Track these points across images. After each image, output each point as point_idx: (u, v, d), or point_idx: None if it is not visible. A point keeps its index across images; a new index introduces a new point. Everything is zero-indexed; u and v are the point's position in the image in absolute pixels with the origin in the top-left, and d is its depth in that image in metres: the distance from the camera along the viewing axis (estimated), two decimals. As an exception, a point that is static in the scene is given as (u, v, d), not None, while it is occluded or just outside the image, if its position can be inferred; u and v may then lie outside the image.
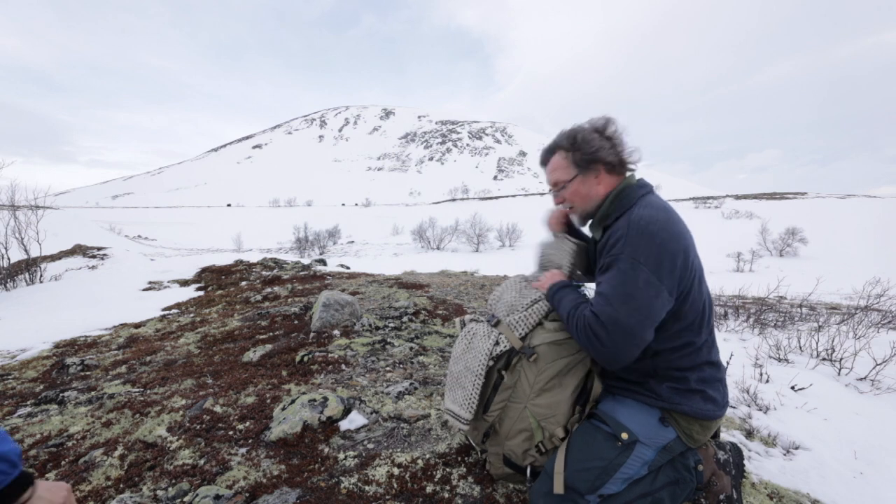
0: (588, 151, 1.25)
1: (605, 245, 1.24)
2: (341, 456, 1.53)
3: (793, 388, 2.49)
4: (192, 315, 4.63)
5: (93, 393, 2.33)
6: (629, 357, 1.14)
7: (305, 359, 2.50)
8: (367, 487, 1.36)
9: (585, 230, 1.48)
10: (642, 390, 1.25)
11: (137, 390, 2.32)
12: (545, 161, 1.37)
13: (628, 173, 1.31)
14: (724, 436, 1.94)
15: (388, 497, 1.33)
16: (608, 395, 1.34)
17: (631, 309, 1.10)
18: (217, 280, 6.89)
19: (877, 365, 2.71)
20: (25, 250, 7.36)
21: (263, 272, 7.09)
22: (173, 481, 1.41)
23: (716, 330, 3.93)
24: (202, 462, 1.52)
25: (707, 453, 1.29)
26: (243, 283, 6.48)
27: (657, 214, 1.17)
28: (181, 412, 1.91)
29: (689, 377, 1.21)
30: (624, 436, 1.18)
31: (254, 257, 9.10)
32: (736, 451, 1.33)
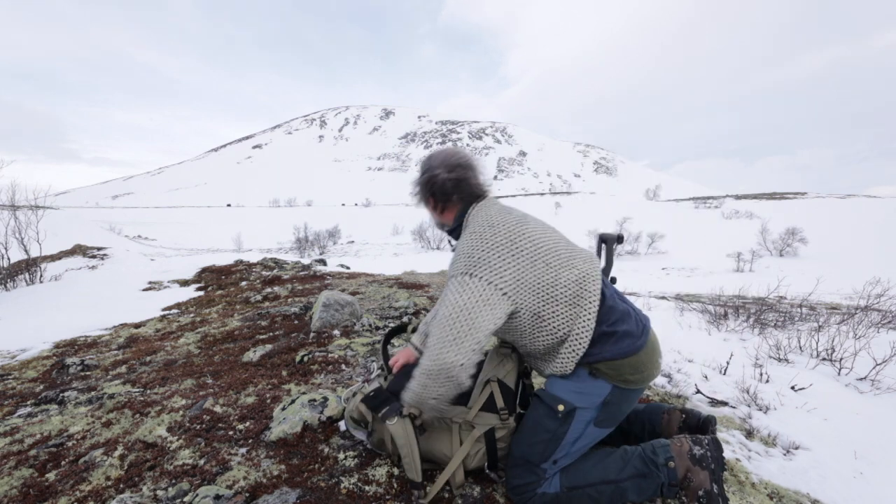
0: (419, 193, 1.44)
1: None
2: (341, 456, 1.53)
3: (793, 388, 2.50)
4: (192, 315, 4.63)
5: (93, 393, 2.33)
6: None
7: (305, 359, 2.50)
8: (367, 487, 1.36)
9: None
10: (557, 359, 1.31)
11: (137, 390, 2.32)
12: None
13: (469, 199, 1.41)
14: (724, 435, 1.94)
15: (388, 497, 1.33)
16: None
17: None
18: (217, 280, 6.89)
19: (877, 365, 2.71)
20: (25, 250, 7.36)
21: (263, 272, 7.09)
22: (173, 481, 1.41)
23: (714, 329, 3.93)
24: (202, 462, 1.52)
25: (681, 449, 1.28)
26: (243, 283, 6.48)
27: (480, 223, 1.31)
28: (181, 412, 1.91)
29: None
30: (560, 407, 1.27)
31: (254, 257, 9.10)
32: (714, 445, 1.31)
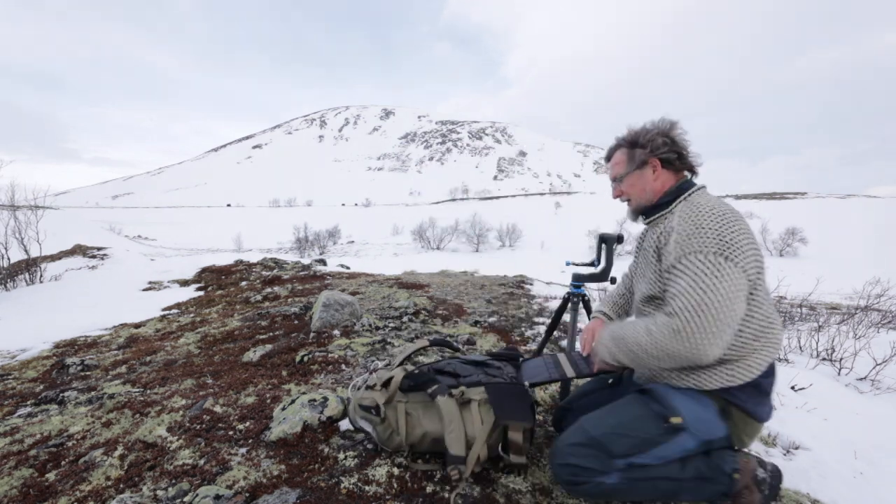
0: (644, 147, 1.32)
1: (657, 241, 1.30)
2: (341, 456, 1.53)
3: (793, 388, 2.50)
4: (192, 315, 4.64)
5: (93, 393, 2.33)
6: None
7: (305, 359, 2.50)
8: (367, 487, 1.36)
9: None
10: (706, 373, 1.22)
11: (137, 390, 2.32)
12: (609, 157, 1.45)
13: (688, 175, 1.35)
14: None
15: (388, 497, 1.32)
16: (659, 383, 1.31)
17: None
18: (217, 280, 6.90)
19: (877, 365, 2.71)
20: (25, 250, 7.36)
21: (263, 272, 7.09)
22: (173, 481, 1.41)
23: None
24: (202, 462, 1.52)
25: (748, 466, 1.24)
26: (243, 283, 6.48)
27: (719, 205, 1.20)
28: (181, 412, 1.91)
29: (756, 372, 1.20)
30: (676, 420, 1.18)
31: (254, 257, 9.10)
32: (775, 475, 1.27)
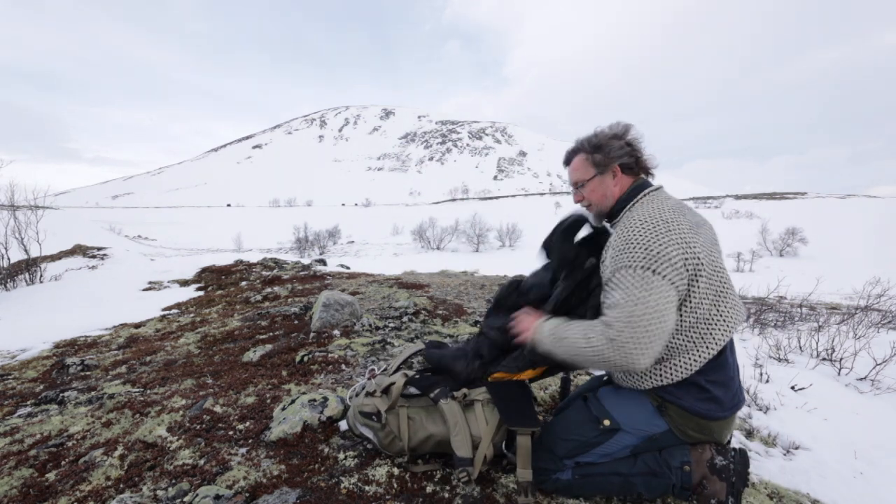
0: (606, 153, 1.33)
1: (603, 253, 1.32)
2: (341, 456, 1.53)
3: (793, 388, 2.50)
4: (192, 315, 4.64)
5: (93, 393, 2.33)
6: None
7: (305, 359, 2.50)
8: (367, 487, 1.36)
9: None
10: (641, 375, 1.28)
11: (137, 390, 2.32)
12: (567, 161, 1.44)
13: (643, 176, 1.37)
14: (724, 436, 1.94)
15: (388, 497, 1.32)
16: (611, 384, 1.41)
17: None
18: (217, 280, 6.90)
19: (877, 365, 2.71)
20: (25, 250, 7.36)
21: (263, 272, 7.09)
22: (173, 481, 1.41)
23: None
24: (202, 462, 1.52)
25: (700, 456, 1.27)
26: (243, 283, 6.48)
27: (653, 214, 1.22)
28: (181, 412, 1.91)
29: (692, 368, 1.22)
30: (606, 422, 1.29)
31: (254, 257, 9.10)
32: (741, 459, 1.28)
